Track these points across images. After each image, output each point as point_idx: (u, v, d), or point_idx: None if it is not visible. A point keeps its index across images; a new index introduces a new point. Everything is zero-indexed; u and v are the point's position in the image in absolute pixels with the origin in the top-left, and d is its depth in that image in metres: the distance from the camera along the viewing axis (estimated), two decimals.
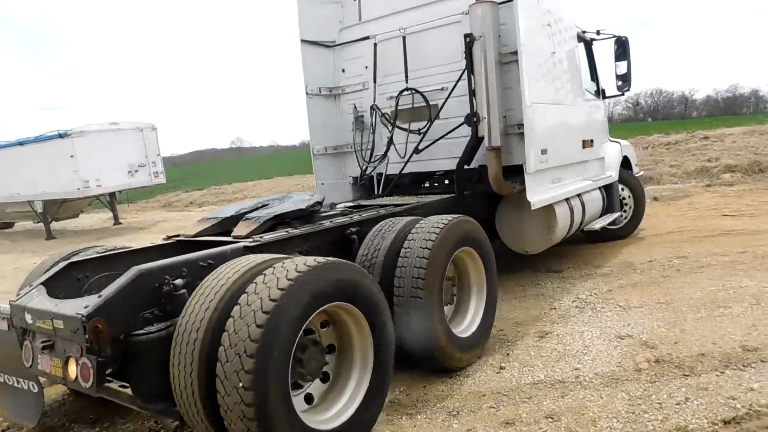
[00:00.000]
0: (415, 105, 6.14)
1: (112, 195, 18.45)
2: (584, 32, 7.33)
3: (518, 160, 5.61)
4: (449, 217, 4.17)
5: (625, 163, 8.33)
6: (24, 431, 3.92)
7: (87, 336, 2.93)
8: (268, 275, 2.87)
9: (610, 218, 7.33)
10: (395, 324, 3.77)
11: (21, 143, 17.39)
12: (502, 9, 5.46)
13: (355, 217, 4.51)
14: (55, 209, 17.36)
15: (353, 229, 4.32)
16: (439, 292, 3.91)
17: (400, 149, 6.23)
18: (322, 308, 2.97)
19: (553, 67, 6.02)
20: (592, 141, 7.02)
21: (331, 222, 4.31)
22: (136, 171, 16.85)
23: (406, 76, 6.17)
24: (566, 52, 6.42)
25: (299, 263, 2.92)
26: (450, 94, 5.81)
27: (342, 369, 3.34)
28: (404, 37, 6.16)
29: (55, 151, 16.03)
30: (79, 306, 3.02)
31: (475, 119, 5.49)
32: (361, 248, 4.15)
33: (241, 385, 2.61)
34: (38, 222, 17.93)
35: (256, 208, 4.39)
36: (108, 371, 3.05)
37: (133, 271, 3.17)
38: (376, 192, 6.53)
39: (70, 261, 3.77)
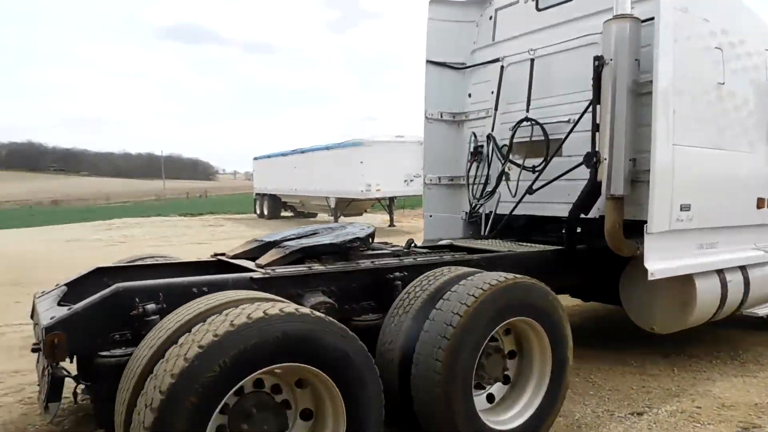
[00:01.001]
0: (533, 138, 5.28)
1: (391, 200, 20.74)
2: None
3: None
4: (503, 276, 3.34)
5: None
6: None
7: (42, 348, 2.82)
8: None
9: None
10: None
11: (327, 148, 20.95)
12: (645, 28, 4.40)
13: (406, 260, 3.88)
14: (344, 206, 20.35)
15: (397, 274, 3.71)
16: (464, 376, 3.12)
17: (513, 187, 5.40)
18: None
19: (717, 102, 4.73)
20: None
21: (372, 263, 3.75)
22: (412, 180, 18.55)
23: (528, 105, 5.34)
24: (746, 85, 5.02)
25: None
26: (573, 127, 4.87)
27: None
28: (532, 60, 5.35)
29: (349, 157, 18.67)
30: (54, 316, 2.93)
31: (594, 160, 4.49)
32: (396, 300, 3.53)
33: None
34: (331, 216, 20.87)
35: (300, 237, 4.02)
36: (63, 389, 2.92)
37: (112, 288, 3.00)
38: (482, 231, 5.77)
39: (98, 267, 3.77)
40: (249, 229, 21.13)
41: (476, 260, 4.20)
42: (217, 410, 2.39)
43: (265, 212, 27.28)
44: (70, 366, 3.14)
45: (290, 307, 2.60)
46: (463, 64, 6.18)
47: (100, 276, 3.72)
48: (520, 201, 5.31)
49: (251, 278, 3.32)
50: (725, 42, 4.79)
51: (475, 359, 3.17)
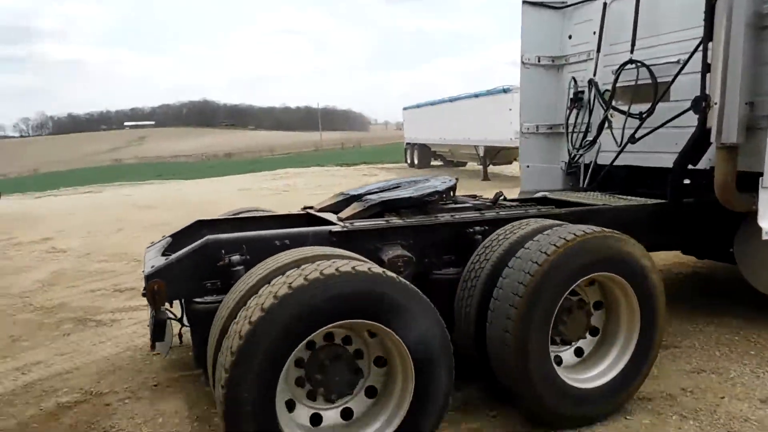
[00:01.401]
0: (639, 82, 4.86)
1: None
2: None
3: None
4: (582, 229, 3.18)
5: None
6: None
7: (144, 294, 3.12)
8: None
9: None
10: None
11: (476, 95, 20.79)
12: None
13: (487, 214, 3.80)
14: (493, 155, 20.30)
15: (477, 228, 3.65)
16: (539, 332, 3.04)
17: (617, 135, 5.05)
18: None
19: None
20: None
21: (451, 216, 3.71)
22: None
23: (633, 45, 4.90)
24: None
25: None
26: (682, 68, 4.42)
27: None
28: None
29: (497, 104, 18.36)
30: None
31: (704, 104, 4.07)
32: (473, 254, 3.49)
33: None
34: (479, 165, 21.18)
35: (383, 190, 4.06)
36: (165, 331, 3.23)
37: (202, 240, 3.23)
38: (581, 183, 5.49)
39: (199, 219, 4.06)
40: (399, 177, 21.78)
41: (564, 214, 4.01)
42: (291, 359, 2.54)
43: (416, 161, 28.07)
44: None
45: (364, 266, 2.66)
46: (563, 2, 5.78)
47: (200, 228, 4.01)
48: (622, 150, 4.96)
49: (330, 232, 3.43)
50: None
51: (552, 316, 3.07)
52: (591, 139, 5.29)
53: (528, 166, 5.97)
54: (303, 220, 4.21)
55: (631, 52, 4.91)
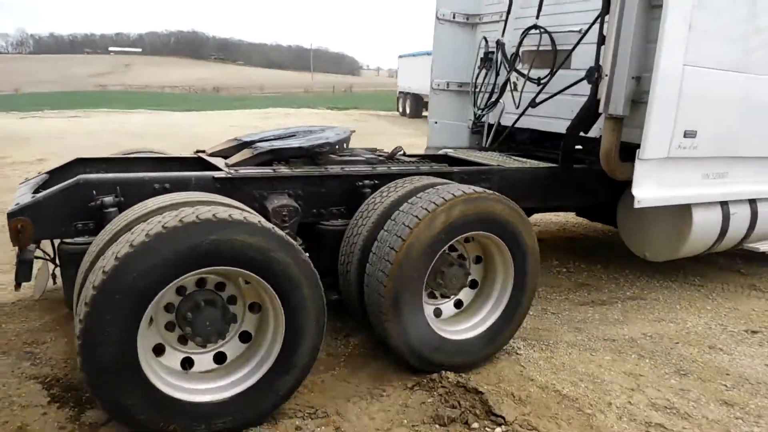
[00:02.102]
0: (541, 47, 4.95)
1: None
2: None
3: None
4: (461, 189, 3.26)
5: None
6: None
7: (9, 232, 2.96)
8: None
9: None
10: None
11: None
12: None
13: (379, 168, 3.83)
14: None
15: (367, 182, 3.68)
16: (412, 287, 3.16)
17: (521, 99, 5.16)
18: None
19: (750, 18, 4.27)
20: None
21: (341, 169, 3.71)
22: None
23: (539, 11, 4.96)
24: None
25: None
26: (581, 38, 4.53)
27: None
28: None
29: None
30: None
31: (596, 75, 4.21)
32: (360, 207, 3.53)
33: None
34: None
35: (278, 138, 3.99)
36: (32, 272, 3.10)
37: (74, 179, 3.08)
38: (484, 143, 5.61)
39: (80, 156, 3.86)
40: (390, 125, 22.39)
41: (457, 173, 4.10)
42: (156, 301, 2.51)
43: (407, 111, 28.04)
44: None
45: (225, 212, 2.62)
46: None
47: (81, 166, 3.82)
48: (522, 113, 5.09)
49: (213, 177, 3.35)
50: None
51: (424, 274, 3.18)
52: (493, 100, 5.38)
53: (436, 122, 6.01)
54: (195, 163, 4.09)
55: (537, 17, 4.97)
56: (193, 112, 27.69)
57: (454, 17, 5.82)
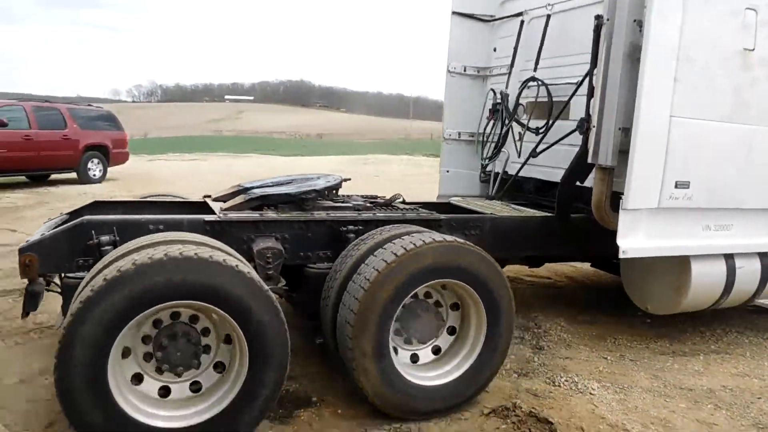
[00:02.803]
0: (539, 99, 5.08)
1: None
2: None
3: None
4: (430, 238, 3.39)
5: None
6: None
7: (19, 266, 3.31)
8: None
9: None
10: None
11: None
12: None
13: (364, 214, 4.01)
14: None
15: (351, 227, 3.87)
16: (377, 332, 3.26)
17: (523, 148, 5.27)
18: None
19: (742, 70, 4.29)
20: None
21: (327, 214, 3.92)
22: None
23: (536, 63, 5.11)
24: None
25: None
26: (575, 90, 4.63)
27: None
28: (548, 16, 5.08)
29: None
30: None
31: (586, 126, 4.30)
32: (343, 251, 3.70)
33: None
34: None
35: (276, 185, 4.25)
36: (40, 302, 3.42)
37: (79, 220, 3.42)
38: (490, 192, 5.71)
39: (97, 200, 4.24)
40: None
41: (445, 221, 4.23)
42: (126, 330, 2.76)
43: None
44: None
45: (192, 250, 2.85)
46: (492, 16, 5.97)
47: (97, 208, 4.19)
48: (525, 163, 5.18)
49: (204, 221, 3.62)
50: (758, 4, 4.29)
51: (390, 319, 3.28)
52: (496, 150, 5.51)
53: (448, 171, 6.17)
54: (202, 207, 4.39)
55: (534, 69, 5.12)
56: (298, 156, 29.93)
57: (465, 70, 6.05)
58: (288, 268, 3.79)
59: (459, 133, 6.15)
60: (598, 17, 4.16)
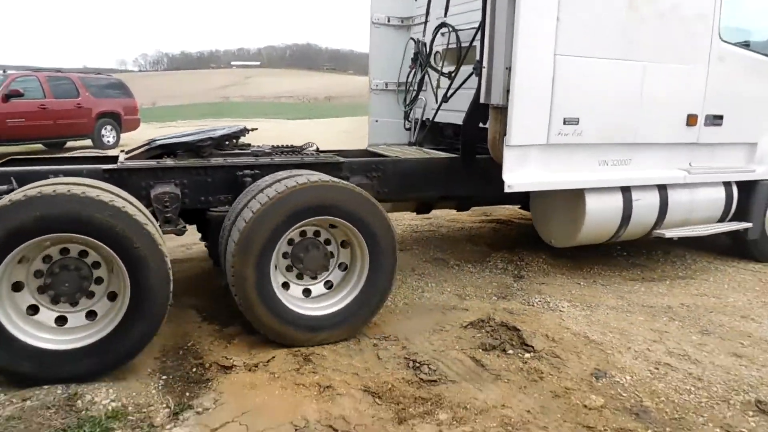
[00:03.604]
0: (450, 45, 5.21)
1: None
2: None
3: None
4: (306, 178, 3.58)
5: None
6: None
7: None
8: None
9: (724, 227, 5.31)
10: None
11: None
12: None
13: (262, 160, 4.19)
14: None
15: (248, 172, 4.05)
16: (261, 267, 3.50)
17: (439, 94, 5.42)
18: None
19: (630, 10, 4.41)
20: (721, 117, 5.04)
21: (224, 160, 4.11)
22: None
23: (446, 10, 5.23)
24: None
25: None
26: (475, 34, 4.76)
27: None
28: None
29: None
30: None
31: (479, 68, 4.45)
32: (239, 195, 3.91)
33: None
34: None
35: (183, 136, 4.41)
36: None
37: None
38: (412, 138, 5.89)
39: (12, 157, 4.41)
40: None
41: (346, 164, 4.41)
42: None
43: None
44: None
45: (80, 189, 3.09)
46: None
47: (9, 164, 4.36)
48: (438, 109, 5.34)
49: (103, 169, 3.81)
50: None
51: (270, 256, 3.51)
52: (413, 97, 5.66)
53: (376, 121, 6.33)
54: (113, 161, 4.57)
55: (444, 15, 5.24)
56: (306, 120, 30.12)
57: (388, 20, 6.15)
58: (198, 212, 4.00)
59: (386, 83, 6.28)
60: None
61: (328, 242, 3.87)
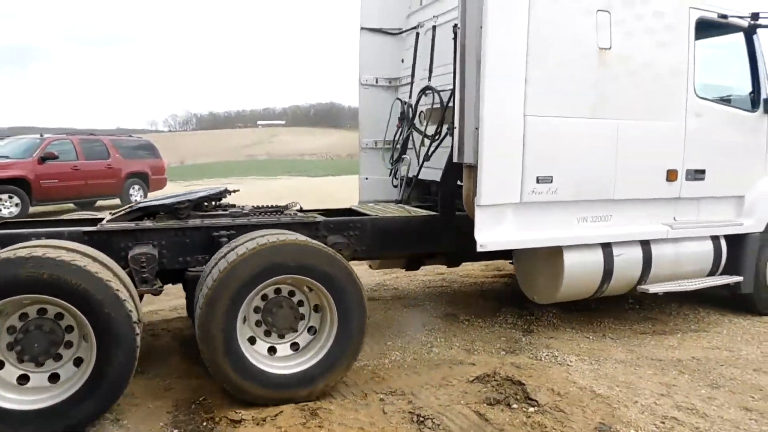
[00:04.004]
0: (434, 106, 5.35)
1: None
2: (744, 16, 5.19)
3: None
4: (283, 237, 3.67)
5: None
6: None
7: None
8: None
9: (713, 281, 5.23)
10: None
11: None
12: None
13: (239, 220, 4.30)
14: None
15: (224, 232, 4.16)
16: (226, 324, 3.55)
17: (422, 153, 5.53)
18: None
19: (601, 68, 4.52)
20: (703, 171, 5.05)
21: (201, 221, 4.23)
22: None
23: (430, 72, 5.40)
24: (651, 48, 4.71)
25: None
26: (451, 96, 4.89)
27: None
28: (434, 27, 5.37)
29: None
30: None
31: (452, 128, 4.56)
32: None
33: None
34: None
35: (168, 198, 4.55)
36: None
37: None
38: (398, 196, 5.98)
39: (5, 221, 4.60)
40: None
41: (323, 223, 4.49)
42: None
43: None
44: None
45: (41, 251, 3.23)
46: (399, 29, 6.27)
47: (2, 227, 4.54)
48: (421, 167, 5.44)
49: (83, 231, 3.95)
50: (617, 2, 4.53)
51: (235, 313, 3.56)
52: (398, 156, 5.78)
53: (367, 179, 6.45)
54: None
55: (429, 79, 5.41)
56: (330, 177, 30.98)
57: (377, 81, 6.34)
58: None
59: (375, 142, 6.42)
60: (455, 26, 4.43)
61: (301, 304, 3.91)
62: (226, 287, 3.53)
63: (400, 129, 6.07)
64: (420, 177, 5.53)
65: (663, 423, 3.54)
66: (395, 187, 6.24)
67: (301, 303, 3.91)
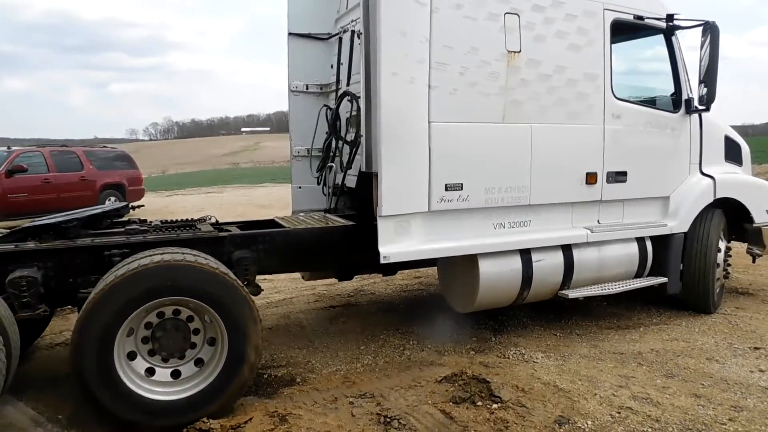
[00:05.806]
0: (353, 112, 5.23)
1: None
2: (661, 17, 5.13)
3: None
4: (166, 256, 3.53)
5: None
6: None
7: None
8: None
9: (638, 284, 5.16)
10: None
11: None
12: None
13: (134, 238, 4.14)
14: None
15: (116, 251, 3.99)
16: (102, 345, 3.39)
17: (345, 160, 5.42)
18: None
19: (510, 73, 4.43)
20: (624, 173, 4.97)
21: (92, 240, 4.07)
22: None
23: (348, 78, 5.28)
24: (563, 51, 4.63)
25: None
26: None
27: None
28: (353, 32, 5.25)
29: None
30: None
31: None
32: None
33: None
34: None
35: (53, 217, 4.37)
36: None
37: None
38: (328, 205, 5.85)
39: None
40: None
41: (228, 238, 4.35)
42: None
43: None
44: None
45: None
46: (329, 34, 6.15)
47: None
48: (345, 174, 5.33)
49: None
50: (526, 6, 4.44)
51: (113, 335, 3.41)
52: (322, 163, 5.66)
53: (299, 188, 6.30)
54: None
55: (347, 84, 5.28)
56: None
57: (307, 88, 6.20)
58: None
59: (307, 150, 6.28)
60: (358, 33, 4.32)
61: (197, 332, 3.75)
62: (99, 312, 3.39)
63: (329, 136, 5.95)
64: (346, 185, 5.41)
65: (618, 413, 3.72)
66: (326, 195, 6.12)
67: (197, 331, 3.76)
